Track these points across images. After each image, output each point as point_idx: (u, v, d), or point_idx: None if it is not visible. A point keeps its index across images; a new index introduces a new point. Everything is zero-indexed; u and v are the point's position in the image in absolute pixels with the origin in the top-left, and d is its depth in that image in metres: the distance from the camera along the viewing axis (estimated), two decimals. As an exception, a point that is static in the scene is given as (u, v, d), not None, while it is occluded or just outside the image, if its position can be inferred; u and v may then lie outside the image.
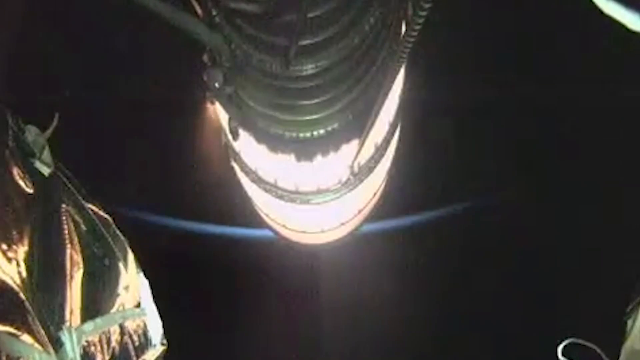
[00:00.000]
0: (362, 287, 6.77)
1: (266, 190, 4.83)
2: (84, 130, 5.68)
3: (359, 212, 5.54)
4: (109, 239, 3.61)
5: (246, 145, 4.48)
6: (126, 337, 3.49)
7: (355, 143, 4.19)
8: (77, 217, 3.33)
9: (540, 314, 6.21)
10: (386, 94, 3.78)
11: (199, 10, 3.69)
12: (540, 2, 5.78)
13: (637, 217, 5.61)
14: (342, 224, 5.55)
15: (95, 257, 3.38)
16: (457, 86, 6.21)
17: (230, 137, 4.33)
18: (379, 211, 5.91)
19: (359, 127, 4.03)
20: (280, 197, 4.83)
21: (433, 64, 5.62)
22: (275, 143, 4.19)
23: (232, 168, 5.08)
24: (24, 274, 2.70)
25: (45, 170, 3.21)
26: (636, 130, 5.79)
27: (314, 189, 4.70)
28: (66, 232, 3.17)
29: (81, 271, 3.15)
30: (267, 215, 5.75)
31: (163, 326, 4.08)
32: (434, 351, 6.59)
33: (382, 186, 5.61)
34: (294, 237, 5.94)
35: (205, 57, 3.99)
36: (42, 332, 2.66)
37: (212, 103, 4.23)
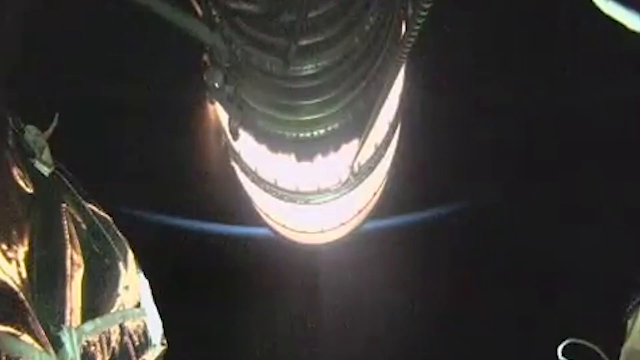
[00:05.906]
0: (362, 287, 6.78)
1: (266, 190, 4.83)
2: (84, 130, 5.68)
3: (359, 212, 5.54)
4: (109, 239, 3.60)
5: (246, 145, 4.48)
6: (126, 337, 3.49)
7: (355, 143, 4.19)
8: (77, 217, 3.33)
9: (540, 314, 6.21)
10: (386, 94, 3.78)
11: (199, 10, 3.70)
12: (540, 2, 5.78)
13: (637, 217, 5.61)
14: (342, 224, 5.56)
15: (95, 257, 3.37)
16: (457, 86, 6.21)
17: (230, 137, 4.33)
18: (379, 211, 5.91)
19: (359, 127, 4.03)
20: (280, 197, 4.83)
21: (433, 64, 5.62)
22: (275, 143, 4.19)
23: (232, 168, 5.08)
24: (24, 274, 2.69)
25: (45, 170, 3.20)
26: (636, 129, 5.79)
27: (314, 189, 4.70)
28: (66, 232, 3.16)
29: (81, 271, 3.15)
30: (267, 215, 5.76)
31: (163, 326, 4.08)
32: (433, 350, 6.59)
33: (382, 186, 5.61)
34: (294, 237, 5.94)
35: (205, 57, 3.99)
36: (42, 332, 2.65)
37: (212, 103, 4.23)
